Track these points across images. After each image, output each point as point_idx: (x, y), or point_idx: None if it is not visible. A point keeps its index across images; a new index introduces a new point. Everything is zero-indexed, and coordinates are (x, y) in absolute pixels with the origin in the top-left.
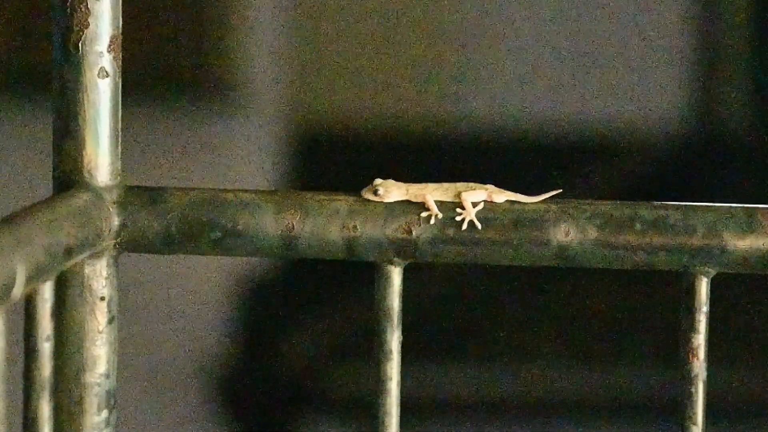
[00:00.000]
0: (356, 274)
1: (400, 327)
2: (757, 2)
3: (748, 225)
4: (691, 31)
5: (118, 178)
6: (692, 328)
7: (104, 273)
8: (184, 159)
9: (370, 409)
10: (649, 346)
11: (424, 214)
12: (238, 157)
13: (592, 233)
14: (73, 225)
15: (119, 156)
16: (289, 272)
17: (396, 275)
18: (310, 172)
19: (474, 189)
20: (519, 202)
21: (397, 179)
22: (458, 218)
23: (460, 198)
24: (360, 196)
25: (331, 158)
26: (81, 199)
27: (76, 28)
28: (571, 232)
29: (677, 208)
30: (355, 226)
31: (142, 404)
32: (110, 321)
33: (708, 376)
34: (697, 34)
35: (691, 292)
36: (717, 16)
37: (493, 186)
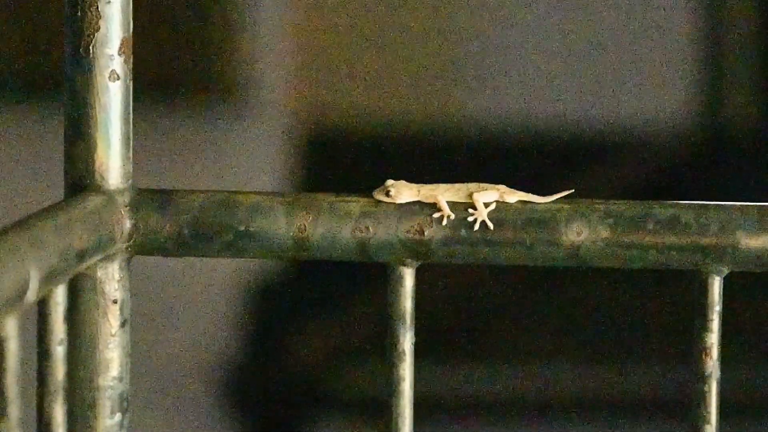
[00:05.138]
0: (368, 275)
1: (413, 328)
2: (763, 2)
3: (761, 224)
4: (699, 29)
5: (130, 180)
6: (705, 327)
7: (116, 276)
8: (194, 161)
9: (383, 410)
10: (663, 345)
11: (436, 215)
12: (249, 159)
13: (605, 233)
14: (85, 228)
15: (131, 159)
16: (301, 273)
17: (408, 276)
18: (321, 174)
19: (486, 189)
20: (531, 202)
21: (408, 180)
22: (470, 219)
23: (471, 198)
24: (372, 197)
25: (342, 160)
26: (93, 202)
27: (86, 32)
28: (583, 232)
29: (689, 207)
30: (367, 228)
31: (154, 406)
32: (123, 324)
33: (721, 375)
34: (705, 32)
35: (703, 291)
36: (724, 14)
37: (504, 186)
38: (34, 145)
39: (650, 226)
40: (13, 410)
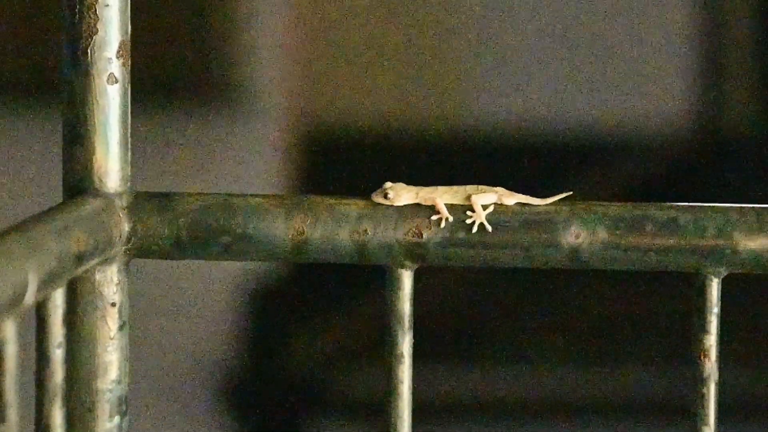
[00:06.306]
0: (367, 277)
1: (412, 330)
2: (764, 3)
3: (759, 225)
4: (698, 30)
5: (128, 183)
6: (703, 328)
7: (115, 279)
8: (192, 164)
9: (382, 412)
10: (661, 347)
11: (434, 218)
12: (248, 162)
13: (603, 235)
14: (83, 231)
15: (129, 162)
16: (299, 276)
17: (407, 279)
18: (319, 177)
19: (484, 192)
20: (529, 205)
21: (407, 182)
22: (468, 221)
23: (470, 201)
24: (370, 199)
25: (340, 162)
26: (91, 205)
27: (84, 35)
28: (581, 234)
29: (687, 209)
30: (365, 230)
31: (153, 409)
32: (121, 327)
33: (720, 377)
34: (705, 33)
35: (702, 292)
36: (724, 14)
37: (503, 188)
38: (32, 148)
39: (648, 228)
40: (12, 413)
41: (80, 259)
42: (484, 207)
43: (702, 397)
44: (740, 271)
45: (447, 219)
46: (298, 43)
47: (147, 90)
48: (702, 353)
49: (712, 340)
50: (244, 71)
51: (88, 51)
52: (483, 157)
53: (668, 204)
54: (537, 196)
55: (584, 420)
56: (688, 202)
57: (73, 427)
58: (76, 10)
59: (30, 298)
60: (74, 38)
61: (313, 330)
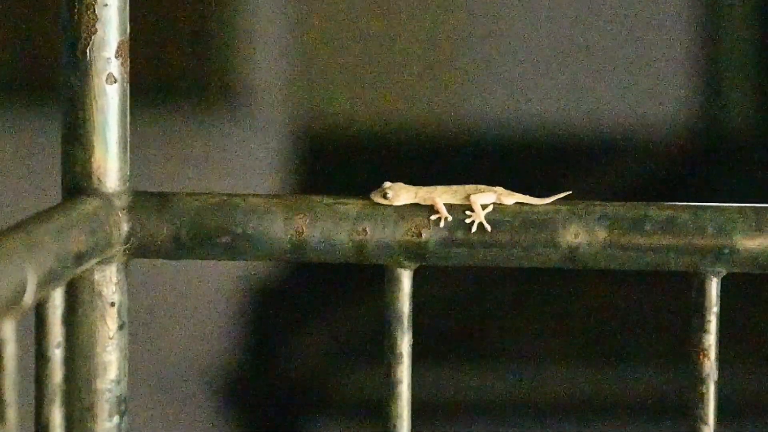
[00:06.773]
0: (366, 277)
1: (411, 330)
2: (762, 3)
3: (758, 225)
4: (697, 31)
5: (127, 183)
6: (703, 328)
7: (114, 279)
8: (191, 164)
9: (381, 412)
10: (661, 346)
11: (433, 217)
12: (247, 162)
13: (602, 234)
14: (82, 231)
15: (128, 161)
16: (299, 276)
17: (406, 278)
18: (319, 176)
19: (483, 191)
20: (528, 204)
21: (406, 182)
22: (468, 221)
23: (469, 200)
24: (369, 199)
25: (340, 162)
26: (90, 205)
27: (83, 35)
28: (580, 234)
29: (687, 208)
30: (364, 230)
31: (152, 409)
32: (120, 327)
33: (719, 376)
34: (704, 34)
35: (701, 292)
36: (723, 15)
37: (502, 188)
38: (31, 148)
39: (647, 228)
40: (11, 413)
41: (79, 258)
42: (483, 207)
43: (701, 397)
44: (739, 270)
45: (446, 218)
46: (297, 44)
47: (147, 90)
48: (701, 353)
49: (711, 340)
50: (244, 72)
51: (87, 51)
52: (482, 157)
53: (667, 203)
54: (536, 196)
55: (584, 420)
56: (688, 201)
57: (72, 427)
58: (75, 10)
59: (29, 298)
60: (73, 38)
61: (313, 329)
